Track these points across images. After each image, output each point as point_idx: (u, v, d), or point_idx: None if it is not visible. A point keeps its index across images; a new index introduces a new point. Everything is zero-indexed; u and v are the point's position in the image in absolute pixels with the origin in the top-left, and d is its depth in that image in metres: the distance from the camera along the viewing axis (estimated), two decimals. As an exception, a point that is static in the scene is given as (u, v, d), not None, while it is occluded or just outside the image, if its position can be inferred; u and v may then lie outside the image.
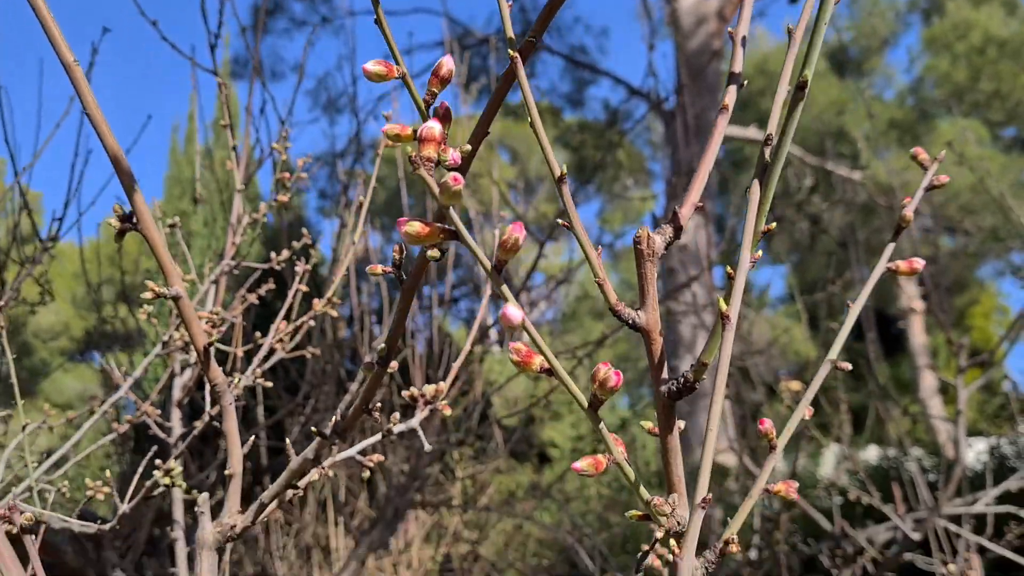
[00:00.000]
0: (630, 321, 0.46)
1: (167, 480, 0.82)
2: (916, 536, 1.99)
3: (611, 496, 7.32)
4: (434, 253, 0.50)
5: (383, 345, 0.60)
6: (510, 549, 6.74)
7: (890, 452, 4.65)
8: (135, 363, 3.06)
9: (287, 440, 0.74)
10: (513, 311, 0.37)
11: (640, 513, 0.50)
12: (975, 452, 5.18)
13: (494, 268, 0.41)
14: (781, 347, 8.96)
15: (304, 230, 1.30)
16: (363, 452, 0.78)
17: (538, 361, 0.43)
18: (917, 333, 10.52)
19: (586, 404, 0.44)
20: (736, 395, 5.76)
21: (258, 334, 1.17)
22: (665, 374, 0.47)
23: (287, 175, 1.18)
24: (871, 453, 6.22)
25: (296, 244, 1.29)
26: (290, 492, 0.75)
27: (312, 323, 1.17)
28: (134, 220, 0.65)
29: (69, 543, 2.50)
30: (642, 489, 0.47)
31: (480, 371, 4.32)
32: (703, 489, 0.37)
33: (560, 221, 0.45)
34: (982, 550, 2.79)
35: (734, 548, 0.54)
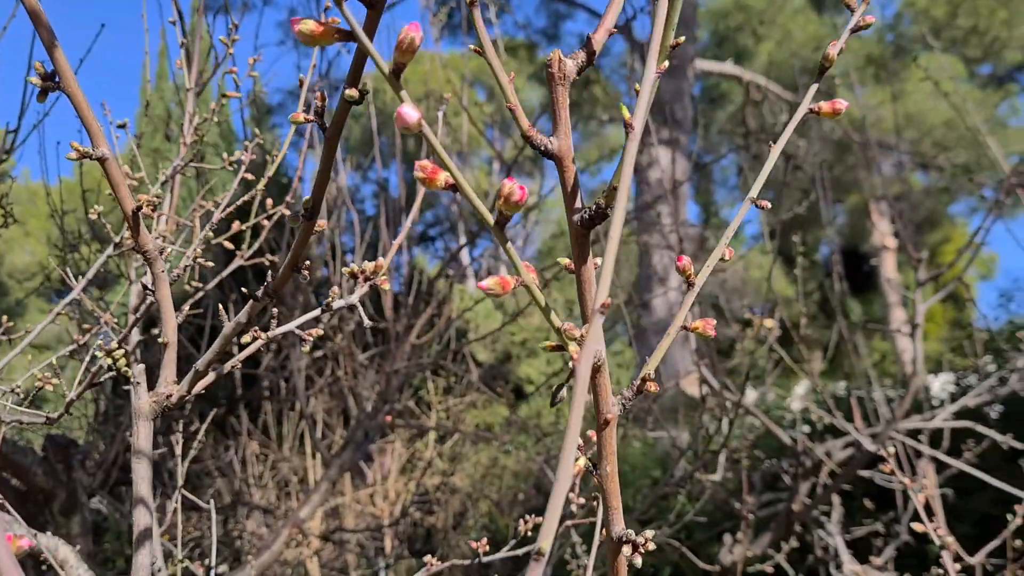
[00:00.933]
0: (543, 148, 0.45)
1: (109, 361, 0.82)
2: (872, 447, 2.04)
3: (584, 430, 7.41)
4: (352, 93, 0.50)
5: (310, 198, 0.59)
6: (485, 481, 6.85)
7: (857, 385, 4.73)
8: (108, 302, 3.04)
9: (223, 312, 0.74)
10: (408, 111, 0.37)
11: (553, 343, 0.50)
12: (941, 383, 5.27)
13: (391, 73, 0.40)
14: (755, 285, 9.03)
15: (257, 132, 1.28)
16: (303, 327, 0.77)
17: (443, 177, 0.42)
18: (889, 270, 10.63)
19: (492, 221, 0.44)
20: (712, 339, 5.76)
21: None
22: (579, 204, 0.46)
23: (234, 70, 1.15)
24: (840, 387, 6.34)
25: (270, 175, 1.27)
26: (229, 364, 0.75)
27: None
28: (56, 79, 0.64)
29: (39, 465, 2.51)
30: (553, 315, 0.47)
31: (451, 297, 4.34)
32: (602, 295, 0.37)
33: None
34: (940, 468, 2.87)
35: (652, 387, 0.55)
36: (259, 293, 0.66)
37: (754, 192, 0.57)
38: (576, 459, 0.62)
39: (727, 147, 11.01)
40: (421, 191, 0.91)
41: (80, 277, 1.24)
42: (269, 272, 0.68)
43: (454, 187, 0.42)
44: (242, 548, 3.60)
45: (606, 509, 0.54)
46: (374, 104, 4.84)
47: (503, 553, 1.14)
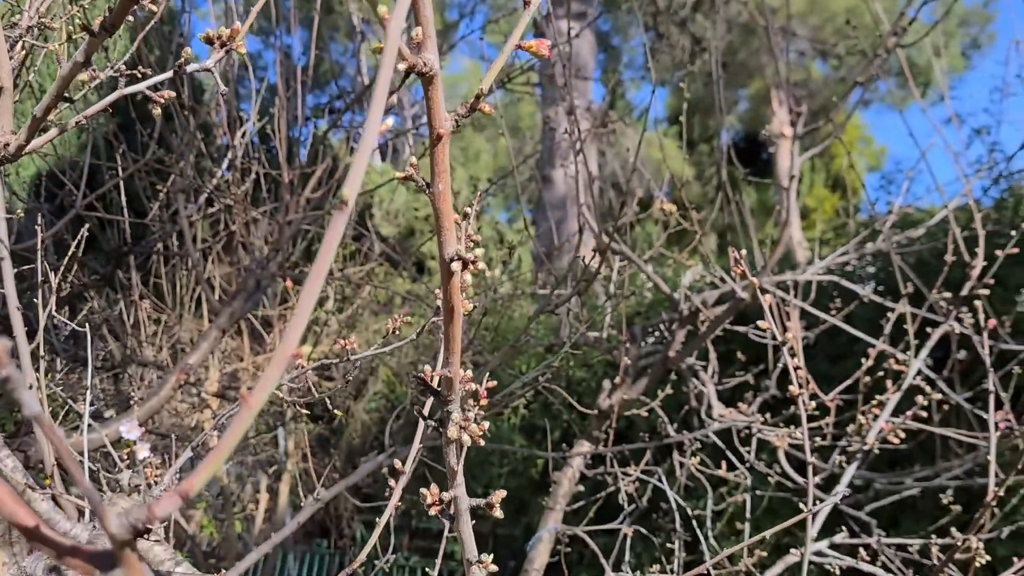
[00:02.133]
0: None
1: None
2: (745, 295, 2.14)
3: (490, 306, 7.50)
4: None
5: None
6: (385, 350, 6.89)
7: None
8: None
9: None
10: None
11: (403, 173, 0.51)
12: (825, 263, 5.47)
13: None
14: (656, 164, 9.16)
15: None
16: (154, 88, 0.76)
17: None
18: (784, 157, 10.91)
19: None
20: (608, 209, 5.89)
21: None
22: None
23: None
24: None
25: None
26: (75, 120, 0.73)
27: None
28: None
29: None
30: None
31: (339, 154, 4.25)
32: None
33: None
34: (810, 324, 3.05)
35: (486, 108, 0.56)
36: (96, 28, 0.64)
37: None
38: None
39: (635, 27, 10.92)
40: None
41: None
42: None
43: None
44: (132, 398, 3.57)
45: (438, 230, 0.56)
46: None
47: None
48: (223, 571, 1.34)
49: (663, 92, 13.23)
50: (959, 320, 1.88)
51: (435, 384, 0.67)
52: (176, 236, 3.91)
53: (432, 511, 0.70)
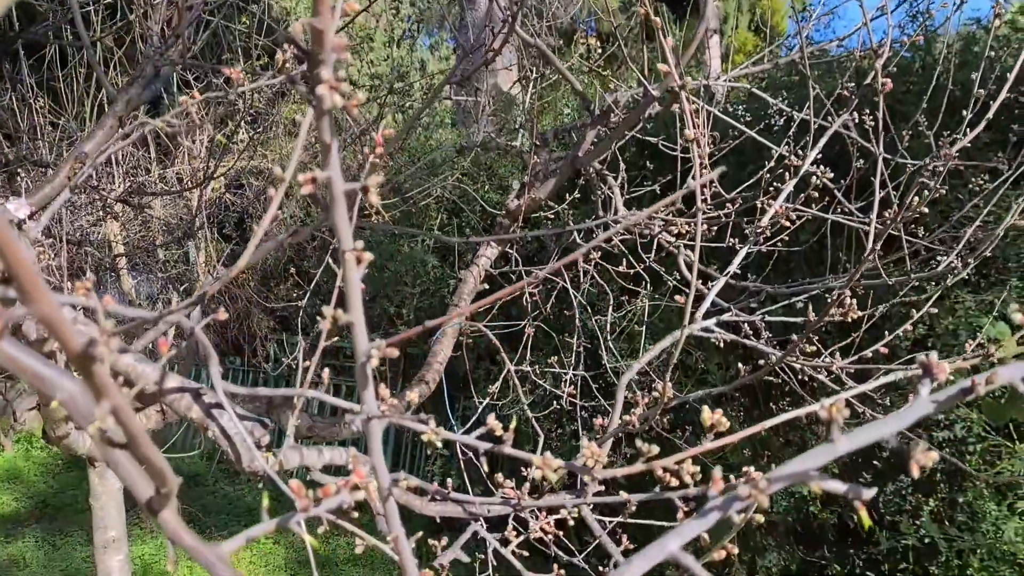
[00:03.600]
0: None
1: None
2: (657, 93, 2.15)
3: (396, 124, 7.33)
4: None
5: None
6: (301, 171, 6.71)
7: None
8: None
9: None
10: None
11: None
12: (738, 72, 5.46)
13: None
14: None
15: None
16: None
17: None
18: (714, -6, 10.73)
19: None
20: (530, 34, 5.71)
21: None
22: None
23: None
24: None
25: None
26: None
27: None
28: None
29: None
30: None
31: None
32: None
33: None
34: (723, 137, 3.09)
35: None
36: None
37: None
38: None
39: None
40: None
41: None
42: None
43: None
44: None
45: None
46: None
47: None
48: (222, 312, 1.32)
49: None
50: (857, 124, 1.92)
51: (304, 43, 0.64)
52: (69, 24, 3.65)
53: (305, 190, 0.70)
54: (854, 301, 1.27)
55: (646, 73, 2.34)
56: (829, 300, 1.29)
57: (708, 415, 0.93)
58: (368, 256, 0.81)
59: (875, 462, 4.33)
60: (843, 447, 0.58)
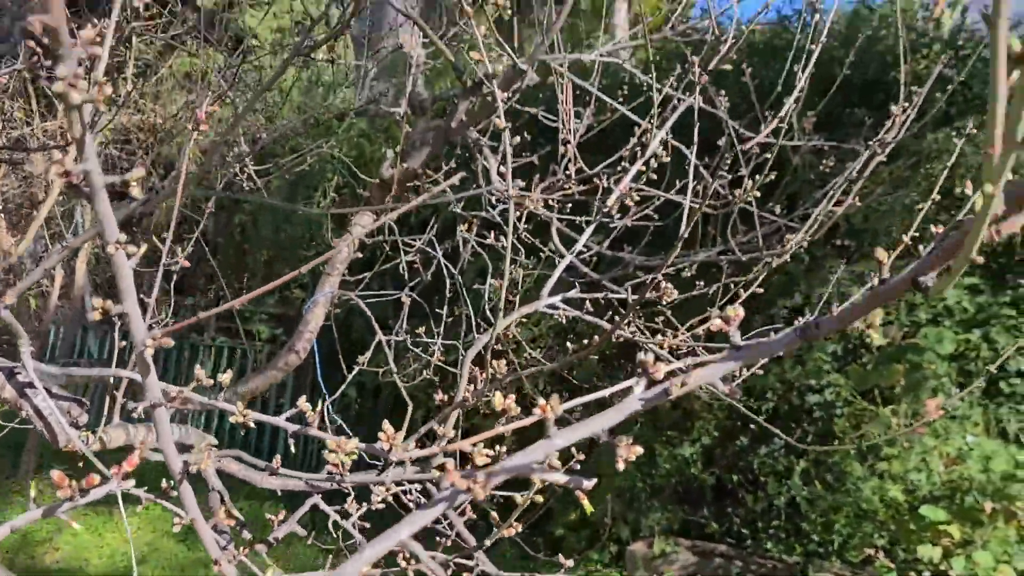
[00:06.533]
0: None
1: None
2: (526, 68, 2.16)
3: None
4: None
5: None
6: (187, 127, 6.49)
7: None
8: None
9: None
10: None
11: None
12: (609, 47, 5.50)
13: None
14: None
15: None
16: None
17: None
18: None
19: None
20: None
21: None
22: None
23: None
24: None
25: None
26: None
27: None
28: None
29: None
30: None
31: None
32: None
33: None
34: (600, 110, 3.12)
35: None
36: None
37: None
38: None
39: None
40: None
41: None
42: None
43: None
44: None
45: None
46: None
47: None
48: (8, 296, 1.27)
49: None
50: (709, 102, 1.98)
51: (41, 35, 0.63)
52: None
53: (58, 182, 0.69)
54: (668, 285, 1.32)
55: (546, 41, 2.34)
56: (646, 283, 1.34)
57: (499, 400, 0.95)
58: (135, 250, 0.81)
59: (751, 427, 4.52)
60: (559, 443, 0.62)
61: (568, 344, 2.36)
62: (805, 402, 4.39)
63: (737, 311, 0.58)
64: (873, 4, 4.99)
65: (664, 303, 1.38)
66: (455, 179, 1.09)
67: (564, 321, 1.66)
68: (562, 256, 2.46)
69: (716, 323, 0.59)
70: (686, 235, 1.29)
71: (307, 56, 1.84)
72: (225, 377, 1.06)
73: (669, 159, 1.65)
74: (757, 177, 1.79)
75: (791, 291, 4.53)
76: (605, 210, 1.62)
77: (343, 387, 2.22)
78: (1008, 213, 0.47)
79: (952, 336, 4.02)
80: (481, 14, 2.58)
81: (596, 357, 4.42)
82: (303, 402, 1.05)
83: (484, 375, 1.43)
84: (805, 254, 4.37)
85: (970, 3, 4.74)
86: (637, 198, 1.67)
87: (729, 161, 2.19)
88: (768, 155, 1.94)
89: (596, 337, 1.33)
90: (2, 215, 5.47)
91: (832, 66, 3.39)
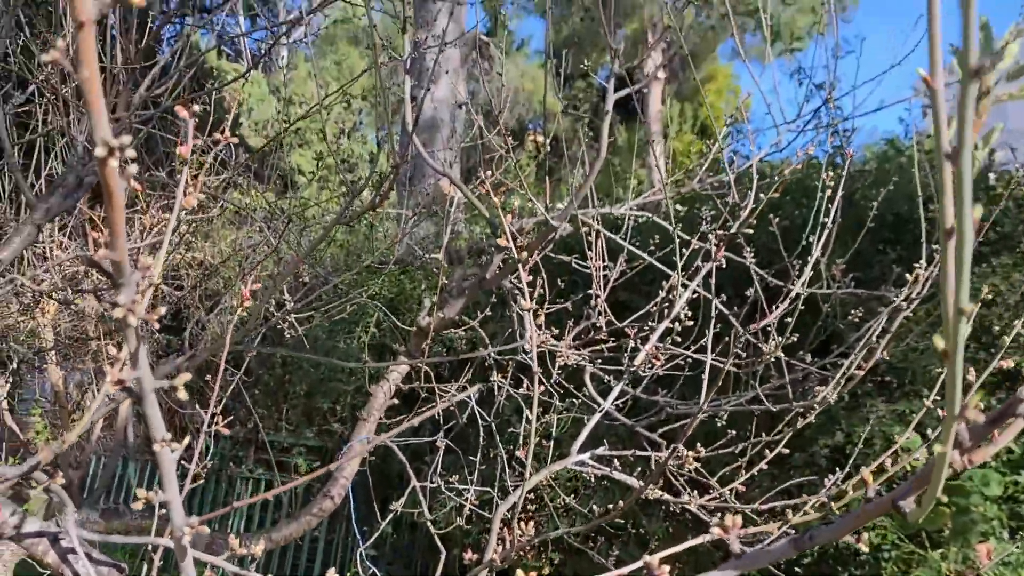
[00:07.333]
0: None
1: None
2: (556, 223, 2.25)
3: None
4: None
5: None
6: (234, 259, 6.70)
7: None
8: None
9: None
10: None
11: None
12: (639, 201, 5.66)
13: None
14: (527, 96, 9.23)
15: None
16: None
17: None
18: (655, 102, 11.17)
19: None
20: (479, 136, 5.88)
21: None
22: None
23: None
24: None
25: None
26: None
27: None
28: None
29: None
30: None
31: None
32: None
33: None
34: (630, 259, 3.20)
35: None
36: None
37: None
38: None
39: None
40: None
41: None
42: None
43: None
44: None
45: (89, 114, 0.60)
46: None
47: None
48: (60, 475, 1.36)
49: (543, 23, 13.20)
50: (742, 256, 2.04)
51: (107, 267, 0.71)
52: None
53: (112, 389, 0.75)
54: (689, 453, 1.35)
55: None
56: (678, 455, 1.36)
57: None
58: (178, 446, 0.87)
59: (797, 569, 4.38)
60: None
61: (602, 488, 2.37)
62: (851, 545, 4.25)
63: (736, 520, 0.61)
64: (903, 147, 5.12)
65: (687, 469, 1.40)
66: (473, 391, 1.14)
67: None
68: (597, 404, 2.49)
69: (715, 531, 0.62)
70: (712, 394, 1.32)
71: (349, 224, 1.94)
72: (257, 549, 1.09)
73: (701, 305, 1.70)
74: (788, 321, 1.82)
75: (831, 430, 4.46)
76: (632, 368, 1.66)
77: (376, 533, 2.22)
78: (975, 444, 0.50)
79: (999, 478, 3.92)
80: (515, 171, 2.72)
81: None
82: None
83: (511, 536, 1.44)
84: (845, 392, 4.32)
85: (998, 145, 4.85)
86: (664, 358, 1.71)
87: (759, 311, 2.23)
88: (800, 306, 1.98)
89: (620, 502, 1.35)
90: (54, 353, 5.65)
91: (863, 205, 3.46)
